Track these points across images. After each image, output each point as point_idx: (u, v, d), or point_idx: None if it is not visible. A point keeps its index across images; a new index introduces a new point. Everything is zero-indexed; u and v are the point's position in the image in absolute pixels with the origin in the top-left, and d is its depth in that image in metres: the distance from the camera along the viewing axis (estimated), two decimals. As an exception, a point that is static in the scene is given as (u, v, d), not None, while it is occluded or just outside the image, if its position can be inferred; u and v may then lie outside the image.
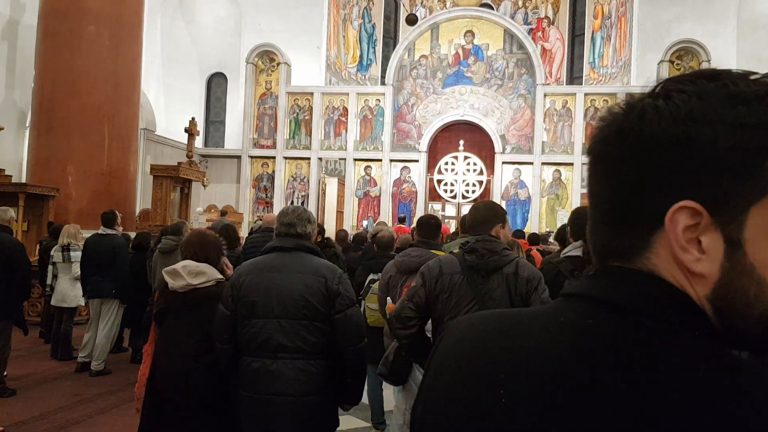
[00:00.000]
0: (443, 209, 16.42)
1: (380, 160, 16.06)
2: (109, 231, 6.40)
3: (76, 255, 6.46)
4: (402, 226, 11.66)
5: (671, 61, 14.88)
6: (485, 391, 0.56)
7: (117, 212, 6.68)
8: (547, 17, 18.63)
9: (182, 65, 17.95)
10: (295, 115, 16.41)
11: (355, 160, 16.18)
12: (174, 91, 17.69)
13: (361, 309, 4.38)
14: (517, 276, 2.57)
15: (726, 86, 0.53)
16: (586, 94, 15.43)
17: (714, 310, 0.52)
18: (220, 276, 2.88)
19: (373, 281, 4.67)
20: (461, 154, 16.21)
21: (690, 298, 0.52)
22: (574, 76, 18.06)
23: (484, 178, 16.13)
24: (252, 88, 16.55)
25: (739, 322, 0.52)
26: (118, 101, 10.52)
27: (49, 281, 6.71)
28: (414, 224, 10.02)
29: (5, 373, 5.37)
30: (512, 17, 17.87)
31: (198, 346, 2.77)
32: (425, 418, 0.63)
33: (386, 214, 15.66)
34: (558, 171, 15.39)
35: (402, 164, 16.14)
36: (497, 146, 15.77)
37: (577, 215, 3.35)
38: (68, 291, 6.56)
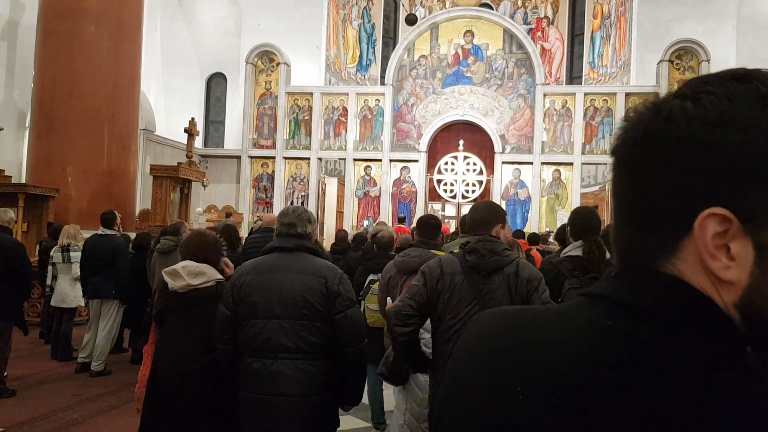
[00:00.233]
0: (443, 209, 16.42)
1: (380, 160, 16.06)
2: (109, 231, 6.40)
3: (76, 255, 6.46)
4: (402, 226, 11.66)
5: (671, 61, 14.88)
6: (503, 386, 0.56)
7: (116, 212, 6.68)
8: (546, 17, 18.64)
9: (182, 65, 17.95)
10: (294, 115, 16.41)
11: (355, 160, 16.18)
12: (174, 92, 17.68)
13: (361, 309, 4.38)
14: (517, 276, 2.57)
15: (757, 88, 0.52)
16: (585, 94, 15.43)
17: (742, 316, 0.51)
18: (220, 276, 2.88)
19: (372, 281, 4.67)
20: (461, 154, 16.21)
21: (716, 304, 0.52)
22: (573, 76, 18.07)
23: (483, 178, 16.13)
24: (252, 88, 16.54)
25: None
26: (117, 101, 10.52)
27: (48, 282, 6.71)
28: (414, 224, 10.03)
29: (5, 373, 5.37)
30: (512, 17, 17.87)
31: (198, 346, 2.77)
32: (444, 407, 0.64)
33: (386, 214, 15.65)
34: (558, 171, 15.39)
35: (402, 164, 16.13)
36: (497, 146, 15.78)
37: (577, 215, 3.36)
38: (68, 291, 6.56)
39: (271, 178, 16.39)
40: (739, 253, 0.50)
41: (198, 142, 14.16)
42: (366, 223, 14.85)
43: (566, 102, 15.40)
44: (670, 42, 14.91)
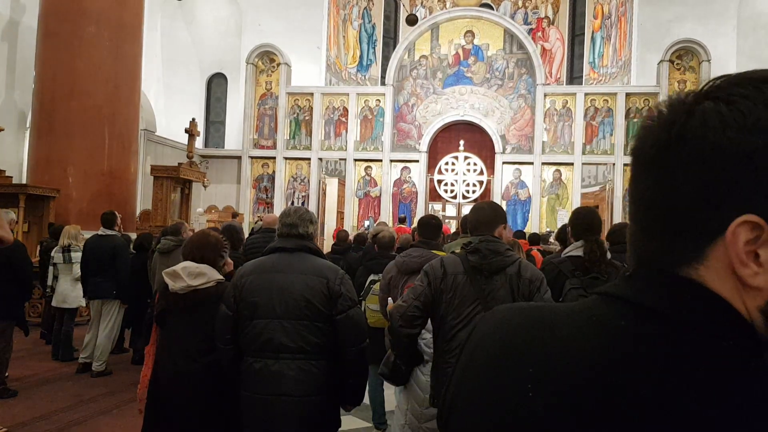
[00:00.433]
0: (443, 209, 16.42)
1: (380, 161, 16.05)
2: (109, 232, 6.40)
3: (77, 256, 6.47)
4: (402, 226, 11.67)
5: (671, 61, 14.88)
6: (514, 382, 0.56)
7: (116, 213, 6.69)
8: (546, 17, 18.64)
9: (182, 66, 17.96)
10: (295, 115, 16.41)
11: (356, 160, 16.17)
12: (174, 92, 17.69)
13: (362, 310, 4.38)
14: (520, 277, 2.58)
15: None
16: (586, 94, 15.42)
17: (766, 320, 0.51)
18: (220, 277, 2.88)
19: (373, 282, 4.67)
20: (461, 154, 16.21)
21: (736, 309, 0.52)
22: (574, 76, 18.07)
23: (484, 178, 16.13)
24: (252, 88, 16.55)
25: None
26: (118, 102, 10.52)
27: (49, 282, 6.71)
28: (414, 224, 10.02)
29: (6, 374, 5.37)
30: (512, 17, 17.88)
31: (199, 347, 2.77)
32: (456, 400, 0.64)
33: (387, 215, 15.65)
34: (558, 171, 15.38)
35: (402, 164, 16.13)
36: (497, 146, 15.77)
37: (577, 215, 3.36)
38: (69, 292, 6.56)
39: (272, 178, 16.39)
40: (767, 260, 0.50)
41: (198, 142, 14.16)
42: (367, 223, 14.85)
43: (567, 102, 15.40)
44: (671, 42, 14.90)
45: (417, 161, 16.06)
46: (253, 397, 2.56)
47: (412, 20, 15.69)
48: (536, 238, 8.23)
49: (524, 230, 12.30)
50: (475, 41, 16.21)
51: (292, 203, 15.86)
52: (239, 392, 2.62)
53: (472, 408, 0.60)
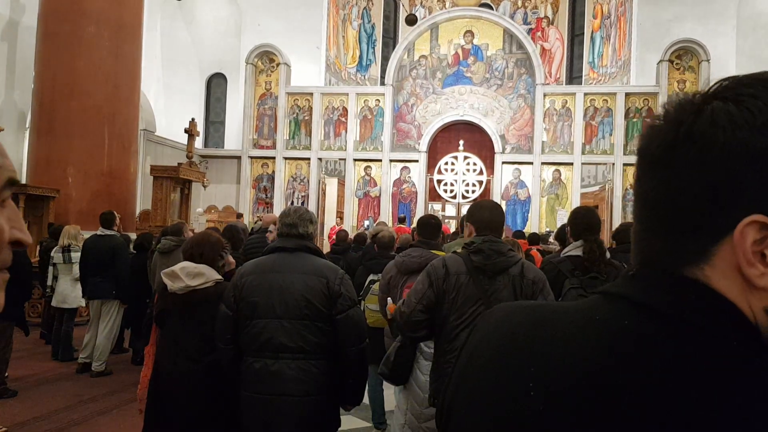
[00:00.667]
0: (443, 209, 16.42)
1: (380, 161, 16.06)
2: (108, 232, 6.40)
3: (77, 256, 6.47)
4: (402, 226, 11.67)
5: (671, 61, 14.88)
6: (515, 381, 0.56)
7: (115, 213, 6.69)
8: (546, 17, 18.65)
9: (182, 66, 17.96)
10: (294, 115, 16.42)
11: (355, 160, 16.18)
12: (174, 92, 17.69)
13: (361, 309, 4.38)
14: (523, 277, 2.57)
15: None
16: (585, 94, 15.43)
17: None
18: (219, 276, 2.89)
19: (372, 282, 4.67)
20: (461, 154, 16.22)
21: (740, 310, 0.51)
22: (573, 76, 18.08)
23: (483, 178, 16.14)
24: (252, 88, 16.55)
25: None
26: (118, 102, 10.52)
27: (49, 282, 6.72)
28: (414, 224, 10.03)
29: (6, 374, 5.38)
30: (512, 17, 17.88)
31: (199, 347, 2.77)
32: (456, 400, 0.64)
33: (386, 215, 15.66)
34: (558, 171, 15.39)
35: (402, 164, 16.14)
36: (497, 146, 15.78)
37: (576, 215, 3.36)
38: (69, 292, 6.56)
39: (272, 178, 16.39)
40: None
41: (198, 142, 14.16)
42: (367, 223, 14.86)
43: (566, 102, 15.41)
44: (670, 42, 14.91)
45: (416, 161, 16.06)
46: (253, 397, 2.56)
47: (411, 20, 15.69)
48: (536, 238, 8.24)
49: (524, 230, 12.31)
50: (475, 41, 16.22)
51: (292, 203, 15.86)
52: (239, 392, 2.62)
53: (472, 407, 0.60)
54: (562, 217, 13.69)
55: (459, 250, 2.76)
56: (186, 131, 12.06)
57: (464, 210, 14.39)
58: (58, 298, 6.59)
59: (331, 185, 16.43)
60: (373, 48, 18.96)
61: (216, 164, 16.63)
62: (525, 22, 18.42)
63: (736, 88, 0.53)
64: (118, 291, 6.26)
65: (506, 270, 2.57)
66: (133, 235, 8.41)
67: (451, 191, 16.36)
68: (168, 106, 17.37)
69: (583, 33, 17.96)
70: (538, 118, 15.43)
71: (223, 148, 18.03)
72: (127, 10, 10.73)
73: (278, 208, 15.64)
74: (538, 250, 7.12)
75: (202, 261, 2.88)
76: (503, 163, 15.73)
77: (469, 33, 16.26)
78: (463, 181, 16.24)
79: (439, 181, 16.39)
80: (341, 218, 15.45)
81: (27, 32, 11.96)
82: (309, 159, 16.25)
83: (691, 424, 0.48)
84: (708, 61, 14.54)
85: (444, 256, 2.86)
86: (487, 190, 16.08)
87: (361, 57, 18.71)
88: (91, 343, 6.23)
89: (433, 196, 16.51)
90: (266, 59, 16.61)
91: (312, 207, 15.29)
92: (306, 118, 16.35)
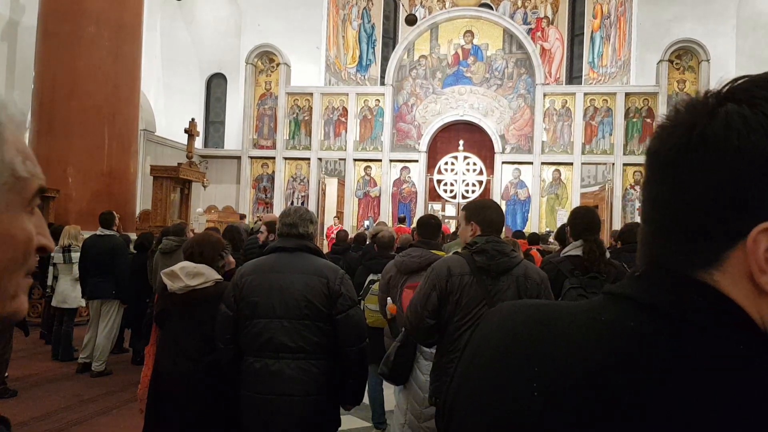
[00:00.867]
0: (443, 209, 16.42)
1: (380, 161, 16.06)
2: (108, 232, 6.40)
3: (77, 256, 6.47)
4: (402, 226, 11.67)
5: (671, 61, 14.88)
6: (519, 380, 0.56)
7: (115, 213, 6.69)
8: (546, 17, 18.65)
9: (182, 66, 17.96)
10: (294, 115, 16.42)
11: (355, 160, 16.18)
12: (174, 92, 17.70)
13: (361, 309, 4.38)
14: (527, 278, 2.57)
15: None
16: (585, 94, 15.43)
17: None
18: (219, 276, 2.89)
19: (372, 282, 4.67)
20: (461, 154, 16.22)
21: (746, 313, 0.51)
22: (573, 76, 18.08)
23: (483, 178, 16.14)
24: (252, 88, 16.55)
25: None
26: (118, 102, 10.52)
27: (49, 282, 6.72)
28: (414, 224, 10.03)
29: (6, 374, 5.37)
30: (511, 17, 17.88)
31: (199, 347, 2.78)
32: (458, 398, 0.64)
33: (386, 215, 15.66)
34: (558, 171, 15.39)
35: (402, 164, 16.14)
36: (497, 146, 15.78)
37: (576, 215, 3.36)
38: (69, 292, 6.56)
39: (272, 178, 16.40)
40: None
41: (198, 142, 14.16)
42: (367, 223, 14.86)
43: (566, 102, 15.41)
44: (670, 42, 14.91)
45: (416, 161, 16.07)
46: (253, 397, 2.56)
47: (411, 20, 15.70)
48: (535, 238, 8.24)
49: (524, 230, 12.31)
50: (475, 41, 16.22)
51: (292, 203, 15.87)
52: (239, 392, 2.62)
53: (474, 406, 0.60)
54: (562, 217, 13.69)
55: (459, 250, 2.76)
56: (186, 131, 12.06)
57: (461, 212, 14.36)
58: (58, 298, 6.59)
59: (331, 185, 16.43)
60: (373, 48, 18.96)
61: (216, 164, 16.63)
62: (525, 22, 18.43)
63: (751, 89, 0.52)
64: (117, 291, 6.25)
65: (510, 270, 2.57)
66: (133, 235, 8.42)
67: (451, 191, 16.36)
68: (168, 106, 17.37)
69: (583, 33, 17.97)
70: (538, 118, 15.43)
71: (223, 148, 18.03)
72: (127, 10, 10.72)
73: (278, 208, 15.64)
74: (537, 250, 7.12)
75: (201, 260, 2.88)
76: (503, 163, 15.73)
77: (469, 33, 16.26)
78: (463, 181, 16.24)
79: (439, 181, 16.40)
80: (338, 218, 15.43)
81: (27, 32, 11.96)
82: (309, 159, 16.25)
83: (691, 424, 0.48)
84: (708, 61, 14.54)
85: (446, 256, 2.85)
86: (487, 190, 16.08)
87: (361, 57, 18.71)
88: (91, 343, 6.24)
89: (433, 196, 16.51)
90: (266, 59, 16.61)
91: (312, 207, 15.29)
92: (306, 118, 16.35)
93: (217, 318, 2.67)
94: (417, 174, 16.05)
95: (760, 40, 15.81)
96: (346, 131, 16.16)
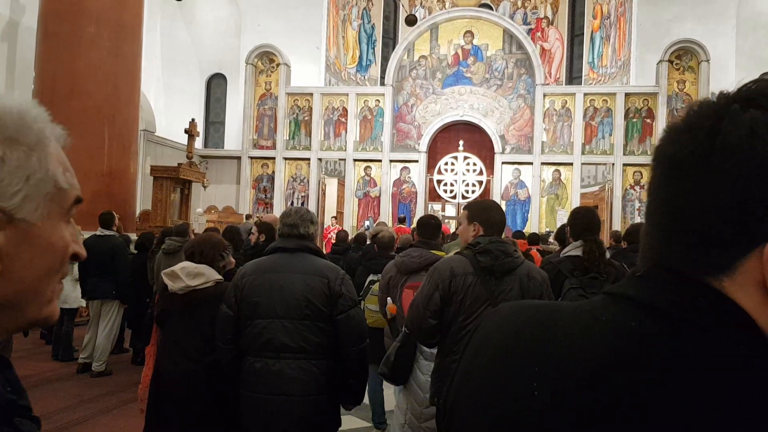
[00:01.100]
0: (443, 209, 16.42)
1: (380, 161, 16.06)
2: (107, 232, 6.41)
3: (77, 256, 6.46)
4: (402, 226, 11.67)
5: (670, 61, 14.89)
6: (519, 380, 0.56)
7: (114, 213, 6.69)
8: (546, 17, 18.66)
9: (182, 66, 17.96)
10: (294, 115, 16.42)
11: (355, 160, 16.18)
12: (174, 92, 17.70)
13: (361, 310, 4.38)
14: (530, 278, 2.58)
15: None
16: (585, 94, 15.44)
17: None
18: (219, 277, 2.89)
19: (372, 282, 4.68)
20: (461, 155, 16.23)
21: (750, 317, 0.51)
22: (573, 76, 18.08)
23: (483, 178, 16.14)
24: (252, 88, 16.55)
25: None
26: (118, 102, 10.52)
27: (49, 282, 6.70)
28: (414, 224, 10.03)
29: (6, 374, 5.37)
30: (511, 17, 17.89)
31: (199, 347, 2.78)
32: (459, 398, 0.64)
33: (386, 215, 15.66)
34: (558, 171, 15.40)
35: (402, 165, 16.14)
36: (497, 146, 15.78)
37: (576, 215, 3.36)
38: (69, 292, 6.56)
39: (272, 178, 16.40)
40: None
41: (198, 142, 14.16)
42: (367, 223, 14.86)
43: (566, 102, 15.41)
44: (670, 42, 14.92)
45: (416, 161, 16.07)
46: (254, 397, 2.57)
47: (411, 20, 15.70)
48: (535, 238, 8.24)
49: (523, 230, 12.31)
50: (475, 41, 16.22)
51: (292, 203, 15.87)
52: (239, 392, 2.62)
53: (475, 406, 0.60)
54: (562, 218, 13.70)
55: (460, 250, 2.76)
56: (186, 131, 12.06)
57: (462, 211, 14.36)
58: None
59: (331, 185, 16.43)
60: (373, 48, 18.96)
61: (216, 164, 16.63)
62: (525, 22, 18.43)
63: None
64: (117, 291, 6.26)
65: (513, 270, 2.57)
66: (133, 236, 8.42)
67: (451, 191, 16.37)
68: (168, 107, 17.37)
69: (583, 33, 17.97)
70: (538, 119, 15.43)
71: (223, 149, 18.04)
72: (127, 10, 10.72)
73: (278, 208, 15.65)
74: (537, 250, 7.12)
75: (202, 259, 2.89)
76: (503, 163, 15.74)
77: (469, 33, 16.27)
78: (463, 181, 16.24)
79: (438, 182, 16.40)
80: (335, 218, 15.41)
81: (27, 32, 11.96)
82: (309, 159, 16.25)
83: (691, 424, 0.48)
84: (708, 61, 14.55)
85: (448, 257, 2.85)
86: (486, 191, 16.09)
87: (361, 57, 18.71)
88: (91, 343, 6.24)
89: (433, 196, 16.51)
90: (266, 59, 16.61)
91: (312, 207, 15.28)
92: (306, 118, 16.35)
93: (217, 318, 2.68)
94: (417, 174, 16.05)
95: (760, 40, 15.81)
96: (346, 131, 16.17)
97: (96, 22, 10.26)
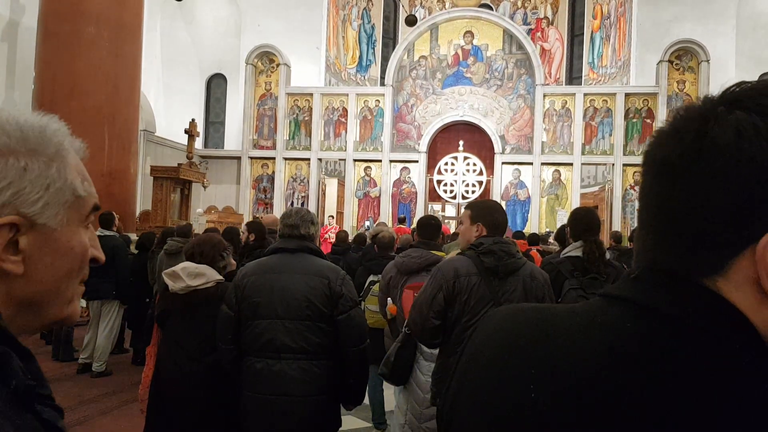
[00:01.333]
0: (443, 210, 16.43)
1: (380, 161, 16.06)
2: (107, 232, 6.41)
3: (77, 256, 6.46)
4: (402, 226, 11.67)
5: (670, 61, 14.89)
6: (516, 382, 0.56)
7: (114, 213, 6.69)
8: (546, 17, 18.65)
9: (182, 66, 17.96)
10: (294, 116, 16.42)
11: (355, 160, 16.18)
12: (174, 92, 17.69)
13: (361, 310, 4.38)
14: (533, 279, 2.58)
15: None
16: (585, 95, 15.44)
17: None
18: (220, 277, 2.90)
19: (372, 283, 4.68)
20: (461, 155, 16.23)
21: (746, 318, 0.51)
22: (573, 77, 18.08)
23: (483, 178, 16.15)
24: (252, 89, 16.55)
25: None
26: (118, 102, 10.52)
27: (50, 282, 6.71)
28: (414, 225, 10.02)
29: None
30: (511, 18, 17.88)
31: (200, 347, 2.78)
32: (458, 400, 0.64)
33: (386, 215, 15.66)
34: (558, 171, 15.40)
35: (402, 165, 16.14)
36: (497, 146, 15.79)
37: (576, 215, 3.37)
38: (69, 292, 6.56)
39: (271, 178, 16.40)
40: None
41: (198, 142, 14.16)
42: (368, 223, 14.86)
43: (566, 102, 15.41)
44: (670, 42, 14.92)
45: (416, 161, 16.07)
46: (255, 397, 2.57)
47: (411, 21, 15.69)
48: (535, 239, 8.24)
49: (523, 230, 12.31)
50: (475, 42, 16.23)
51: (292, 204, 15.88)
52: (240, 392, 2.63)
53: (474, 407, 0.60)
54: (562, 218, 13.70)
55: (461, 251, 2.76)
56: (186, 132, 12.07)
57: (464, 210, 14.36)
58: (58, 299, 6.59)
59: (331, 186, 16.43)
60: (373, 48, 18.96)
61: (216, 165, 16.63)
62: (525, 22, 18.43)
63: (757, 98, 0.52)
64: (118, 291, 6.26)
65: (516, 271, 2.58)
66: (134, 236, 8.42)
67: (451, 192, 16.37)
68: (168, 107, 17.37)
69: (583, 33, 17.97)
70: (538, 119, 15.44)
71: (223, 149, 18.03)
72: (127, 10, 10.72)
73: (278, 208, 15.65)
74: (537, 250, 7.12)
75: (202, 260, 2.89)
76: (503, 163, 15.74)
77: (469, 33, 16.27)
78: (463, 181, 16.24)
79: (438, 182, 16.40)
80: (333, 217, 15.39)
81: (27, 32, 11.96)
82: (309, 159, 16.26)
83: (691, 424, 0.48)
84: (708, 61, 14.55)
85: (451, 257, 2.85)
86: (486, 191, 16.09)
87: (361, 57, 18.71)
88: (92, 343, 6.24)
89: (433, 196, 16.51)
90: (266, 60, 16.61)
91: (312, 207, 15.28)
92: (306, 118, 16.35)
93: (218, 318, 2.68)
94: (417, 174, 16.05)
95: (760, 41, 15.81)
96: (346, 132, 16.17)
97: (96, 23, 10.26)
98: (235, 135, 17.55)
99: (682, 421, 0.48)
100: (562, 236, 5.20)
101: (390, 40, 19.12)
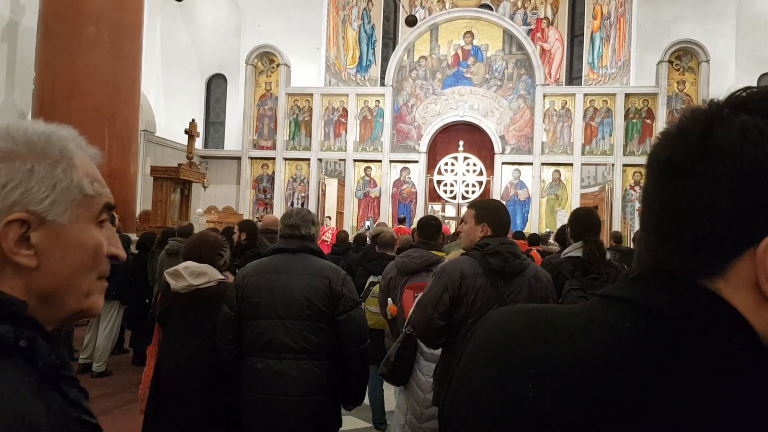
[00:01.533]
0: (443, 210, 16.42)
1: (380, 161, 16.06)
2: (109, 232, 6.40)
3: (77, 256, 6.46)
4: (402, 226, 11.68)
5: (670, 62, 14.89)
6: (515, 382, 0.57)
7: (114, 213, 6.69)
8: (546, 18, 18.66)
9: (182, 66, 17.95)
10: (294, 116, 16.42)
11: (355, 161, 16.18)
12: (174, 93, 17.69)
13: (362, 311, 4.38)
14: (537, 280, 2.58)
15: None
16: (585, 95, 15.44)
17: None
18: (222, 276, 2.90)
19: (373, 284, 4.67)
20: (461, 155, 16.23)
21: (746, 319, 0.52)
22: (573, 77, 18.08)
23: (483, 178, 16.15)
24: (252, 89, 16.55)
25: None
26: (118, 102, 10.52)
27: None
28: (414, 225, 10.03)
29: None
30: (511, 18, 17.89)
31: (201, 346, 2.78)
32: (458, 400, 0.64)
33: (386, 215, 15.66)
34: (558, 171, 15.40)
35: (402, 165, 16.14)
36: (497, 147, 15.79)
37: (576, 216, 3.37)
38: (69, 292, 6.56)
39: (272, 179, 16.40)
40: None
41: (198, 143, 14.16)
42: (368, 223, 14.85)
43: (566, 103, 15.41)
44: (670, 42, 14.92)
45: (416, 162, 16.07)
46: (255, 397, 2.57)
47: (411, 21, 15.69)
48: (536, 239, 8.24)
49: (524, 231, 12.31)
50: (475, 42, 16.23)
51: (292, 204, 15.88)
52: (240, 392, 2.63)
53: (473, 407, 0.61)
54: (562, 218, 13.70)
55: (464, 251, 2.76)
56: (186, 132, 12.07)
57: (464, 210, 14.37)
58: (58, 299, 6.59)
59: (331, 186, 16.42)
60: (373, 49, 18.96)
61: (216, 165, 16.63)
62: (525, 22, 18.43)
63: (762, 101, 0.53)
64: (117, 291, 6.26)
65: (522, 272, 2.57)
66: (134, 236, 8.41)
67: (451, 192, 16.37)
68: (168, 107, 17.37)
69: (583, 33, 17.97)
70: (538, 119, 15.44)
71: (223, 149, 18.03)
72: (127, 10, 10.72)
73: (278, 208, 15.65)
74: (537, 251, 7.12)
75: (200, 261, 2.89)
76: (503, 163, 15.74)
77: (469, 34, 16.27)
78: (463, 181, 16.24)
79: (438, 182, 16.40)
80: (330, 217, 15.37)
81: (27, 33, 11.96)
82: (309, 160, 16.25)
83: (691, 424, 0.48)
84: (708, 61, 14.55)
85: (455, 258, 2.84)
86: (486, 191, 16.09)
87: (361, 58, 18.71)
88: (92, 343, 6.24)
89: (433, 196, 16.51)
90: (266, 60, 16.61)
91: (312, 208, 15.28)
92: (306, 118, 16.35)
93: (219, 318, 2.68)
94: (417, 175, 16.05)
95: (760, 41, 15.81)
96: (346, 132, 16.17)
97: (96, 23, 10.26)
98: (235, 135, 17.55)
99: (682, 421, 0.48)
100: (562, 236, 5.21)
101: (390, 40, 19.12)
